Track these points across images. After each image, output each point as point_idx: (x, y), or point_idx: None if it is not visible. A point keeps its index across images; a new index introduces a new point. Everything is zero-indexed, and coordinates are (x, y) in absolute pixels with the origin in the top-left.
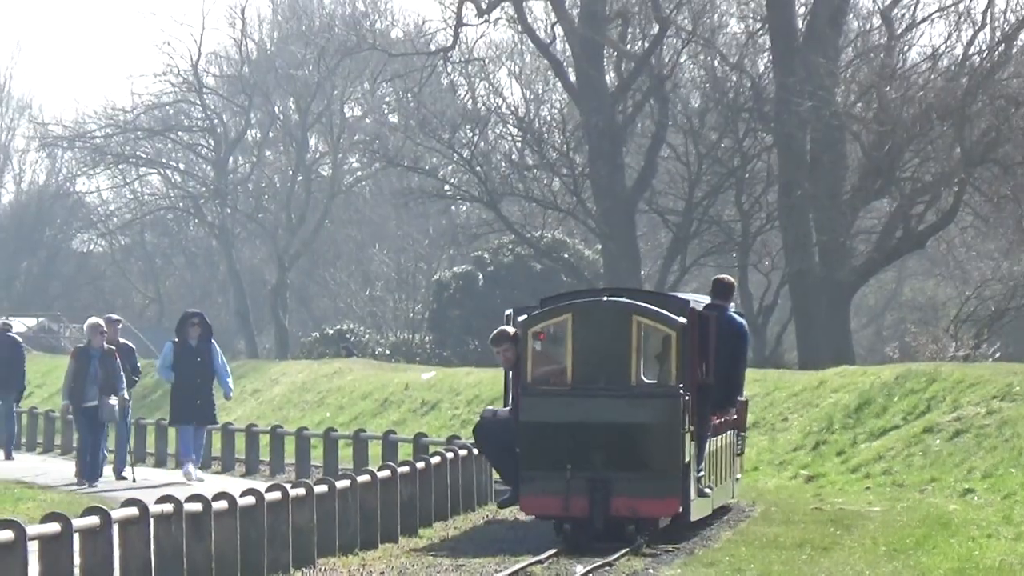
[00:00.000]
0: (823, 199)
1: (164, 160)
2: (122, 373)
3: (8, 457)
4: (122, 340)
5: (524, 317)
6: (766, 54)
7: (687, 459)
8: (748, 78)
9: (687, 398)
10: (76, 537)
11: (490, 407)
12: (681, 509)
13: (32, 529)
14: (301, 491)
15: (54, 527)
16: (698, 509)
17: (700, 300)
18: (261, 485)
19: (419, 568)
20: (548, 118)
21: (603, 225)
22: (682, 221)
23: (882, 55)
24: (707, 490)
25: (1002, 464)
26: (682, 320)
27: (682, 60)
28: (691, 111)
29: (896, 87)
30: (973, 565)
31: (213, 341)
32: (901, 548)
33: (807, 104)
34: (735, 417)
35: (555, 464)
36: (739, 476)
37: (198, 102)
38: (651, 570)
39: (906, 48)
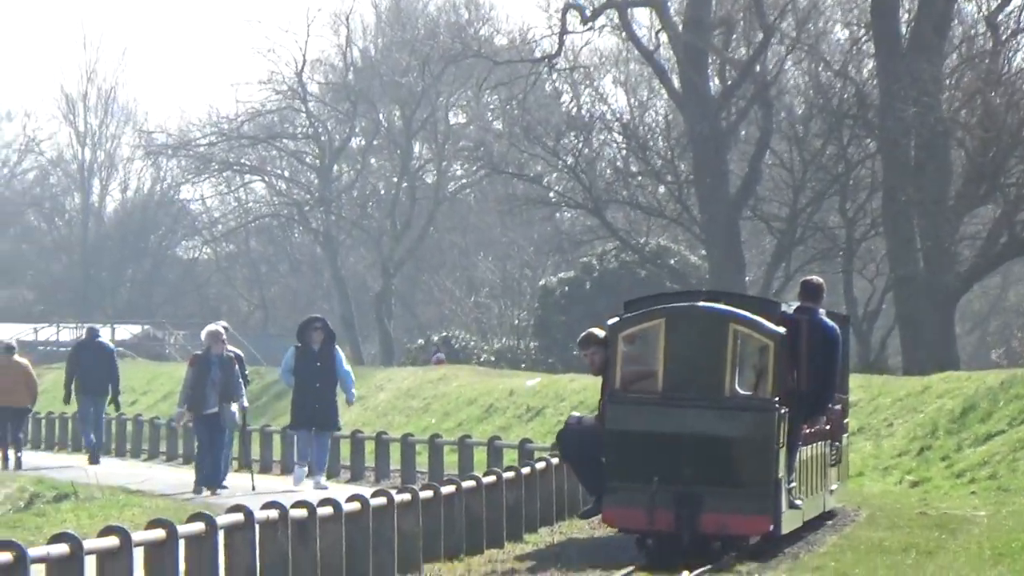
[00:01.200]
0: (928, 205)
1: (268, 168)
2: (241, 380)
3: (94, 462)
4: (230, 347)
5: (614, 320)
6: (870, 60)
7: (780, 474)
8: (852, 84)
9: (783, 412)
10: (181, 543)
11: (575, 413)
12: (772, 527)
13: (137, 535)
14: (407, 496)
15: (159, 533)
16: (788, 522)
17: (792, 305)
18: (367, 491)
19: (525, 573)
20: (652, 125)
21: (707, 232)
22: (786, 227)
23: (987, 61)
24: (798, 502)
25: None
26: (780, 330)
27: (786, 67)
28: (795, 117)
29: (1001, 93)
30: None
31: (337, 347)
32: (1007, 552)
33: (911, 110)
34: (828, 427)
35: (641, 476)
36: (834, 487)
37: (302, 109)
38: (756, 574)
39: (1011, 53)
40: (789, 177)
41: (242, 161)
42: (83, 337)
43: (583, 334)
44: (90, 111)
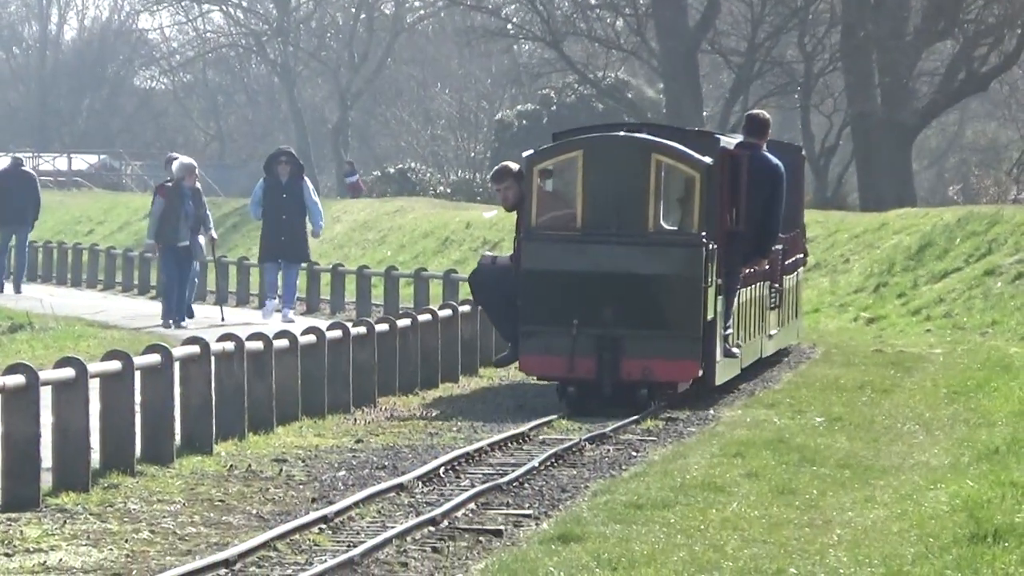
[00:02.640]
0: (886, 40)
1: None
2: (208, 212)
3: (17, 291)
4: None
5: (529, 152)
6: None
7: (710, 316)
8: None
9: (712, 247)
10: (137, 375)
11: (489, 252)
12: (702, 372)
13: (93, 367)
14: (362, 330)
15: (115, 364)
16: (724, 371)
17: (734, 138)
18: (322, 324)
19: (436, 420)
20: None
21: (666, 65)
22: (745, 62)
23: None
24: (735, 350)
25: None
26: (707, 160)
27: None
28: None
29: None
30: None
31: (305, 178)
32: (962, 391)
33: None
34: (767, 267)
35: (559, 319)
36: (773, 332)
37: None
38: (712, 411)
39: None
40: (748, 11)
41: None
42: (7, 166)
43: (496, 167)
44: None
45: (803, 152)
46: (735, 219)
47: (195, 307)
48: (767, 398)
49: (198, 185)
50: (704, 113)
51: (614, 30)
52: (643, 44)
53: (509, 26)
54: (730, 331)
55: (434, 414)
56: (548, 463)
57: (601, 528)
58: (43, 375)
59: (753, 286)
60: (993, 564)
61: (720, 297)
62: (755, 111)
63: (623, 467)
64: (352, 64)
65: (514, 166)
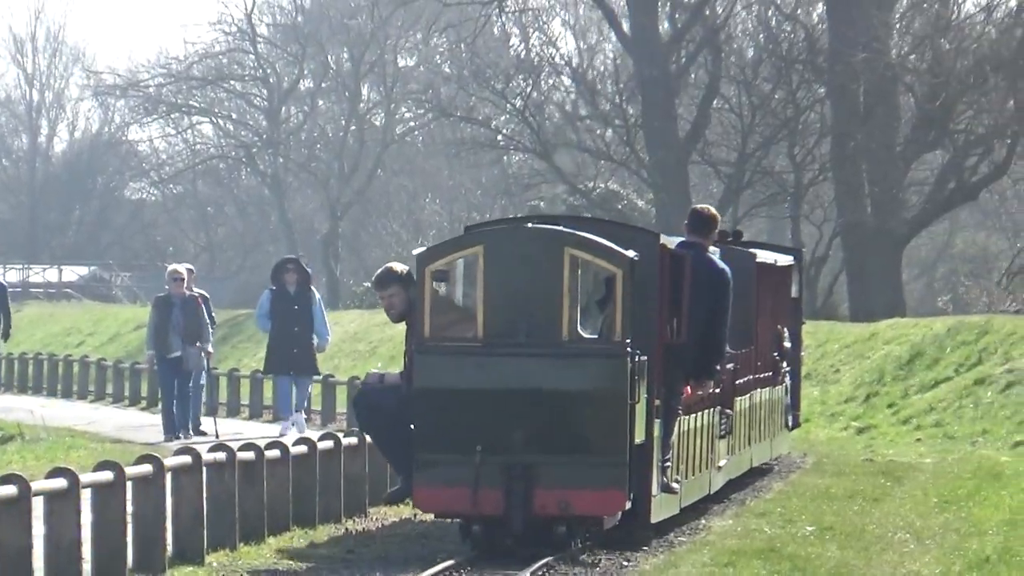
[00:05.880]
0: (876, 151)
1: (217, 110)
2: (207, 321)
3: None
4: (195, 289)
5: (421, 250)
6: (820, 4)
7: (639, 439)
8: (802, 28)
9: (640, 359)
10: (129, 485)
11: (375, 370)
12: (630, 505)
13: (85, 477)
14: (353, 440)
15: (107, 475)
16: (660, 508)
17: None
18: (313, 435)
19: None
20: (601, 69)
21: (656, 176)
22: (734, 172)
23: (936, 6)
24: (674, 484)
25: None
26: (630, 254)
27: (736, 10)
28: (745, 62)
29: (950, 39)
30: None
31: (312, 288)
32: (952, 499)
33: (861, 55)
34: (717, 391)
35: (460, 446)
36: (722, 463)
37: (251, 51)
38: (704, 520)
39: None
40: (738, 121)
41: (190, 103)
42: None
43: (379, 271)
44: (38, 52)
45: (801, 254)
46: (676, 330)
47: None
48: (758, 507)
49: (195, 294)
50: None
51: (604, 141)
52: (633, 155)
53: (499, 137)
54: (669, 462)
55: (427, 525)
56: (542, 571)
57: None
58: (35, 485)
59: (699, 413)
60: None
61: (657, 421)
62: (700, 206)
63: None
64: (342, 175)
65: (400, 267)
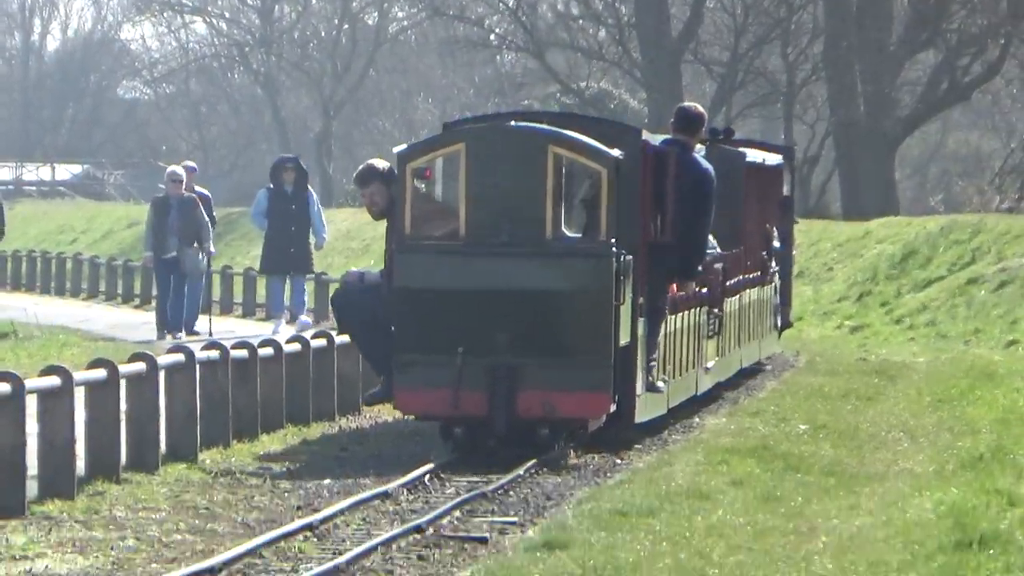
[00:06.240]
0: (869, 50)
1: (210, 8)
2: (206, 221)
3: None
4: (197, 188)
5: (402, 148)
6: None
7: (624, 340)
8: None
9: (625, 258)
10: (122, 383)
11: (355, 269)
12: (615, 407)
13: (79, 375)
14: (347, 339)
15: (100, 373)
16: (645, 408)
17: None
18: (307, 333)
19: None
20: None
21: (648, 75)
22: (727, 72)
23: None
24: (659, 384)
25: None
26: (615, 153)
27: None
28: None
29: None
30: (1017, 415)
31: (310, 188)
32: (945, 399)
33: None
34: (704, 290)
35: (442, 347)
36: (711, 364)
37: None
38: (697, 418)
39: None
40: (731, 21)
41: (183, 1)
42: None
43: (360, 168)
44: None
45: (793, 152)
46: (659, 228)
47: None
48: (751, 406)
49: (193, 193)
50: None
51: (597, 40)
52: (626, 54)
53: (492, 36)
54: (655, 362)
55: (420, 424)
56: (532, 471)
57: (586, 535)
58: (29, 383)
59: (687, 312)
60: (979, 571)
61: (642, 320)
62: (687, 104)
63: (608, 474)
64: (335, 74)
65: (381, 164)
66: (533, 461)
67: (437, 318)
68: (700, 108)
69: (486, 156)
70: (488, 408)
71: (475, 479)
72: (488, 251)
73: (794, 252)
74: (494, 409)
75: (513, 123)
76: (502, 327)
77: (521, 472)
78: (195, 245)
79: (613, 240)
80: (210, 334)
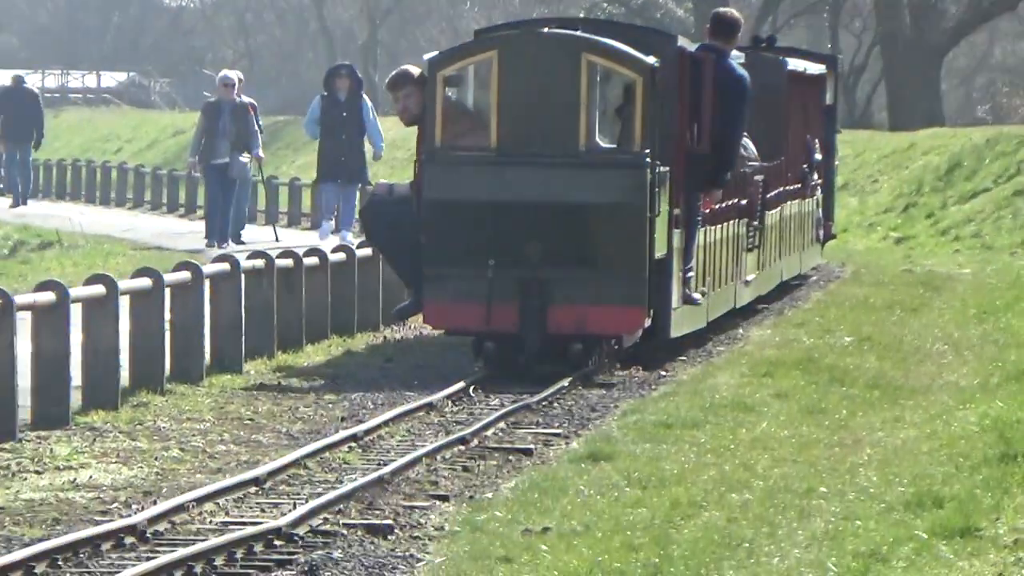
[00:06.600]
0: None
1: None
2: (256, 129)
3: (19, 204)
4: (245, 97)
5: (434, 55)
6: None
7: (660, 253)
8: None
9: (660, 169)
10: (167, 292)
11: (385, 181)
12: (651, 322)
13: (123, 284)
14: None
15: (145, 282)
16: (682, 322)
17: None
18: (354, 242)
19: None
20: None
21: None
22: None
23: None
24: (696, 296)
25: None
26: (650, 60)
27: None
28: None
29: None
30: None
31: (364, 95)
32: (991, 311)
33: None
34: (744, 201)
35: (472, 260)
36: (750, 277)
37: None
38: (741, 330)
39: None
40: None
41: None
42: (9, 84)
43: (393, 73)
44: None
45: (837, 60)
46: (696, 137)
47: (252, 229)
48: (796, 317)
49: (243, 100)
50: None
51: None
52: None
53: None
54: (692, 273)
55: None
56: (577, 383)
57: (631, 447)
58: (73, 292)
59: (726, 223)
60: (1023, 484)
61: (678, 231)
62: (723, 9)
63: (652, 387)
64: None
65: (415, 70)
66: (564, 381)
67: (467, 231)
68: (736, 13)
69: (518, 64)
70: (519, 323)
71: (520, 391)
72: (520, 161)
73: (837, 163)
74: (525, 324)
75: (546, 30)
76: (534, 239)
77: (565, 384)
78: (245, 152)
79: (648, 150)
80: (276, 240)
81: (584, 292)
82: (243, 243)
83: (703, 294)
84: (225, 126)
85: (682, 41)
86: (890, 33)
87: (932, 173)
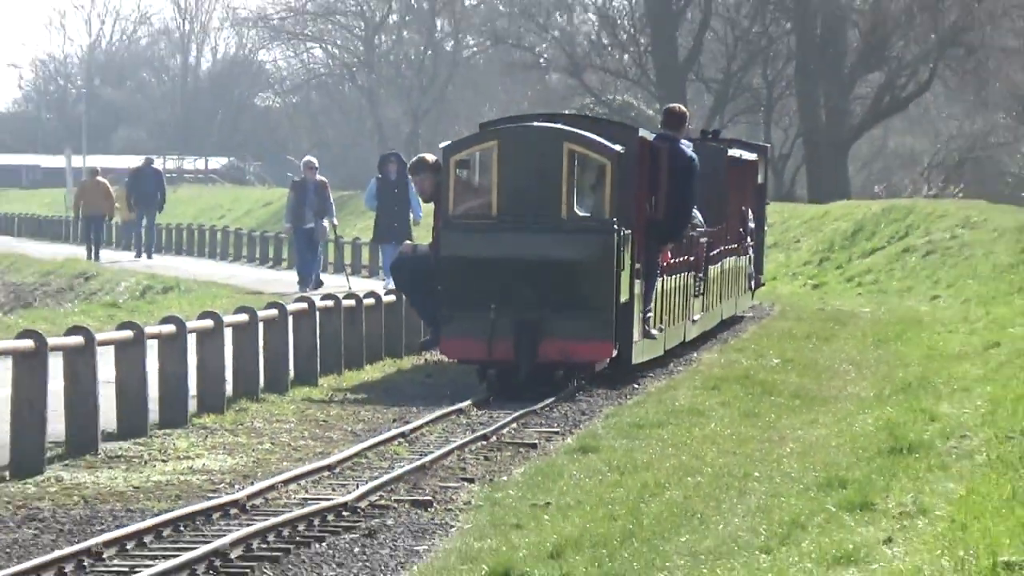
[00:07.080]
0: (829, 73)
1: (325, 37)
2: (331, 201)
3: (143, 255)
4: (319, 177)
5: (447, 144)
6: None
7: (624, 298)
8: None
9: (624, 233)
10: (260, 325)
11: (410, 242)
12: (616, 352)
13: (227, 318)
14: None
15: (244, 317)
16: (642, 352)
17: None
18: None
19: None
20: (620, 7)
21: (660, 90)
22: (721, 88)
23: None
24: (654, 332)
25: (961, 277)
26: (617, 148)
27: None
28: (730, 3)
29: None
30: (938, 352)
31: (408, 176)
32: (884, 339)
33: None
34: (691, 258)
35: (478, 304)
36: (697, 317)
37: None
38: (696, 354)
39: None
40: (724, 49)
41: (306, 32)
42: (140, 164)
43: (413, 159)
44: None
45: (767, 150)
46: (654, 207)
47: (324, 276)
48: (737, 344)
49: (322, 179)
50: (689, 127)
51: (622, 63)
52: (644, 74)
53: (541, 60)
54: (650, 314)
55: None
56: (571, 395)
57: (612, 442)
58: (189, 325)
59: (678, 275)
60: (907, 470)
61: (639, 281)
62: (673, 105)
63: (628, 397)
64: (421, 88)
65: (430, 158)
66: (573, 387)
67: (474, 281)
68: (683, 107)
69: (514, 150)
70: (515, 354)
71: (528, 400)
72: (515, 227)
73: (766, 228)
74: (520, 355)
75: (536, 123)
76: (526, 288)
77: (561, 395)
78: (324, 219)
79: (615, 218)
80: (348, 286)
81: (566, 329)
82: (322, 284)
83: (660, 330)
84: (310, 199)
85: (643, 132)
86: (809, 129)
87: (841, 235)
